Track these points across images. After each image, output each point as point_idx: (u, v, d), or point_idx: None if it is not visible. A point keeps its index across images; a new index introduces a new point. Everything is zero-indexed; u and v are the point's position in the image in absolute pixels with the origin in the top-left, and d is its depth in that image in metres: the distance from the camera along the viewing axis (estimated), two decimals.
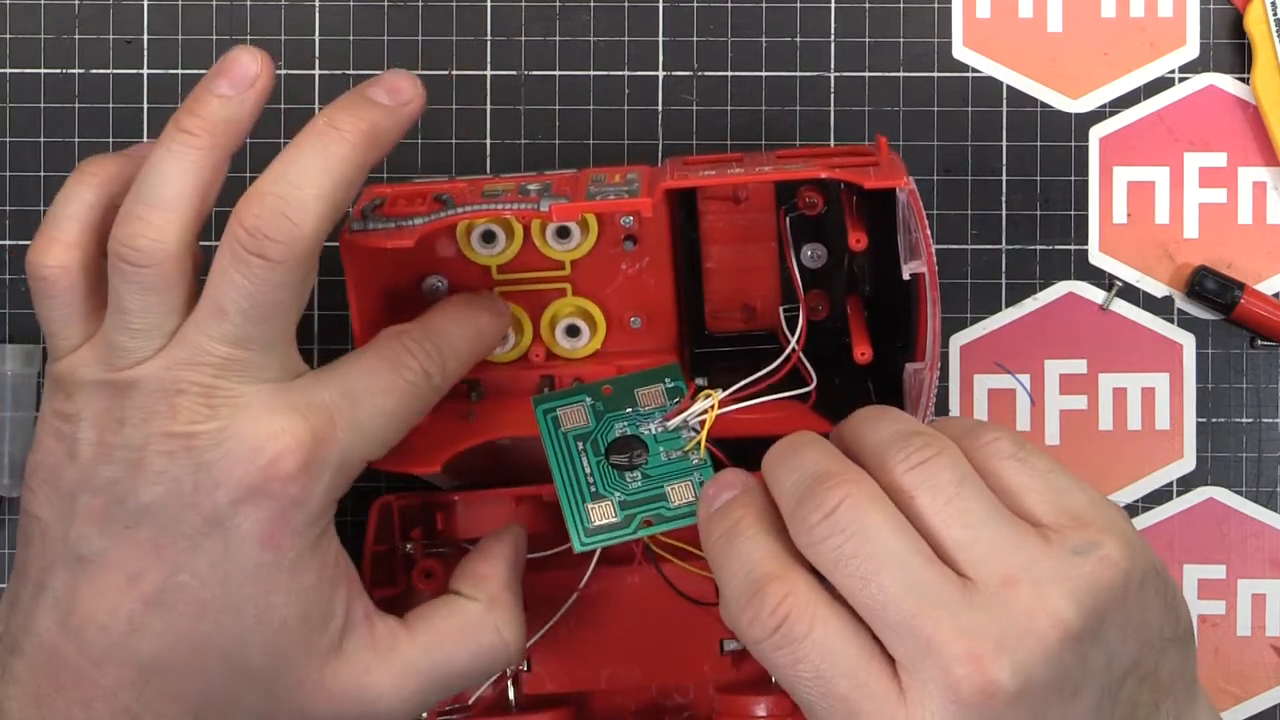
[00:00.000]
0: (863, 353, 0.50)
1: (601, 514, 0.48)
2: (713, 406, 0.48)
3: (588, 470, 0.49)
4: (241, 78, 0.45)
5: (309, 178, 0.43)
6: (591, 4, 0.58)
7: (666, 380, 0.50)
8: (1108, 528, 0.42)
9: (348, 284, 0.48)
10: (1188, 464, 0.57)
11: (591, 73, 0.58)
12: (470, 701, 0.53)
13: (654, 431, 0.49)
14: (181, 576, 0.43)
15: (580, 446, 0.49)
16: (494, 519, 0.53)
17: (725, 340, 0.54)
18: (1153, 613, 0.42)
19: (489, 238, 0.52)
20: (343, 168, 0.44)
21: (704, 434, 0.48)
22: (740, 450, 0.49)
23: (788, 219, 0.52)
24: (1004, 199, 0.57)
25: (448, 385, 0.48)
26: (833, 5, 0.58)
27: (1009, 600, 0.40)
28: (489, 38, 0.58)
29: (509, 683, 0.53)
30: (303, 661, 0.45)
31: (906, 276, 0.48)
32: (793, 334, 0.51)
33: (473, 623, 0.48)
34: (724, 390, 0.49)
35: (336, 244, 0.50)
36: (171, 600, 0.43)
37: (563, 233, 0.52)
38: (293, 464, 0.43)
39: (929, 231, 0.46)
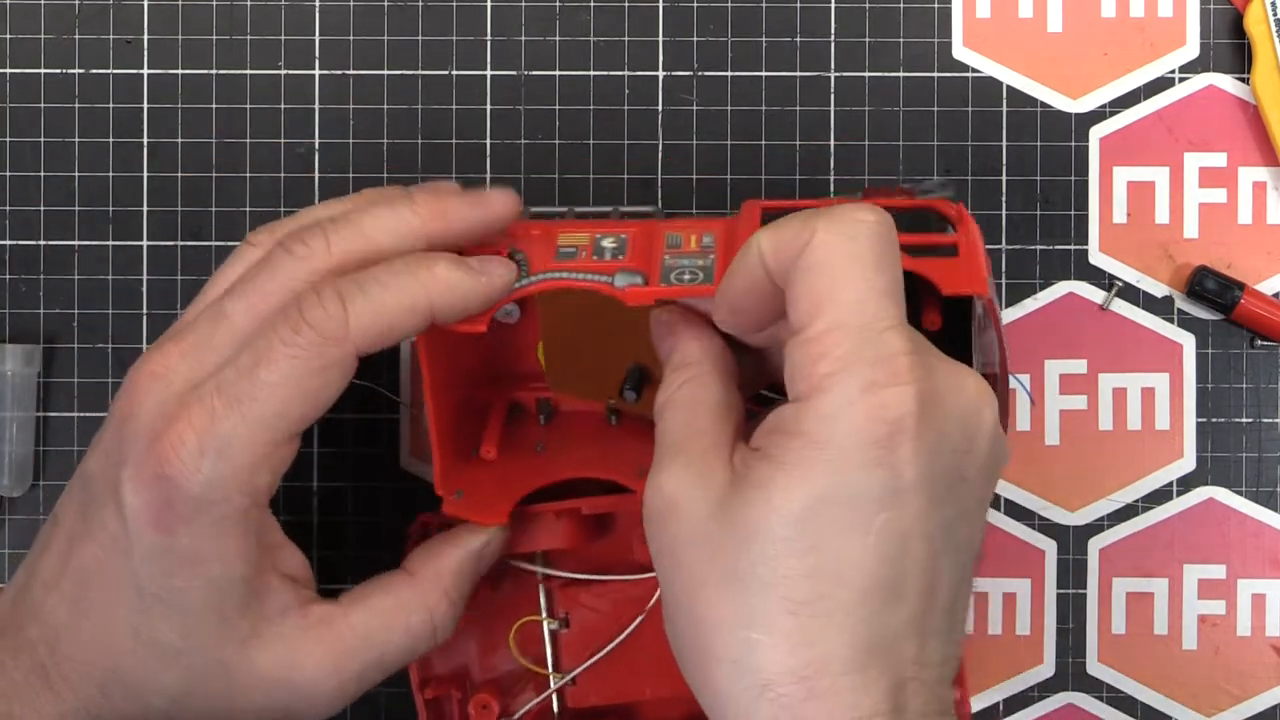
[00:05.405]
0: (932, 321, 0.48)
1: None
2: None
3: None
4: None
5: None
6: (591, 4, 0.58)
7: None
8: None
9: (420, 358, 0.47)
10: (1188, 464, 0.57)
11: (591, 73, 0.58)
12: (516, 716, 0.53)
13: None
14: (91, 546, 0.45)
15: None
16: (530, 536, 0.51)
17: None
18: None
19: None
20: None
21: None
22: None
23: None
24: (1004, 199, 0.57)
25: (365, 340, 0.45)
26: (833, 5, 0.58)
27: None
28: (489, 38, 0.58)
29: (553, 697, 0.53)
30: (218, 645, 0.45)
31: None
32: None
33: (405, 601, 0.48)
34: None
35: None
36: (82, 566, 0.45)
37: None
38: (169, 451, 0.43)
39: (1004, 335, 0.44)
